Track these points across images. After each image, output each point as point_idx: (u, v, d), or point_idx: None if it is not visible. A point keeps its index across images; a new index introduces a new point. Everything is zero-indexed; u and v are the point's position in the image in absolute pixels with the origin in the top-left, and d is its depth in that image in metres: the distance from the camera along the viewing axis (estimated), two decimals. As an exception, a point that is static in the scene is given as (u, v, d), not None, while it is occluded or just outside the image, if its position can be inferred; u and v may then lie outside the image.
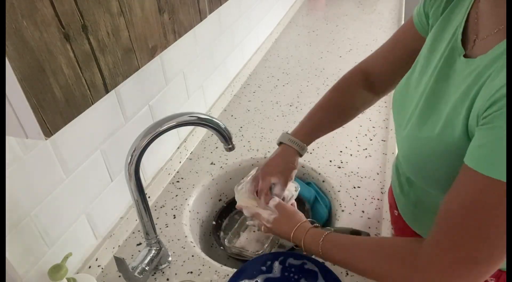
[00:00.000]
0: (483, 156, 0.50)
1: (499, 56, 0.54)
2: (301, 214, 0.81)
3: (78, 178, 0.82)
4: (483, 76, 0.54)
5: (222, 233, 1.09)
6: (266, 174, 0.88)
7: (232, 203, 1.15)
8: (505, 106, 0.48)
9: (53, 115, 0.43)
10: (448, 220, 0.54)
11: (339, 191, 1.05)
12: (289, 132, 0.92)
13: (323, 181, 1.10)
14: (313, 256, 0.87)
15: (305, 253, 0.78)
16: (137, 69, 0.55)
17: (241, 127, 1.35)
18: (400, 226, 0.86)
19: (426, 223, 0.76)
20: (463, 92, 0.57)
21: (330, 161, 1.15)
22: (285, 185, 0.88)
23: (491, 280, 0.72)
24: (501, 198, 0.48)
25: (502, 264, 0.69)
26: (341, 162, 1.14)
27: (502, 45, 0.54)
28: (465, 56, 0.61)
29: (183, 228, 1.00)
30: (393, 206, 0.89)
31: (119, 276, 0.87)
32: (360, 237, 0.74)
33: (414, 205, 0.77)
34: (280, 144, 0.92)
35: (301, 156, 0.91)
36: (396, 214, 0.86)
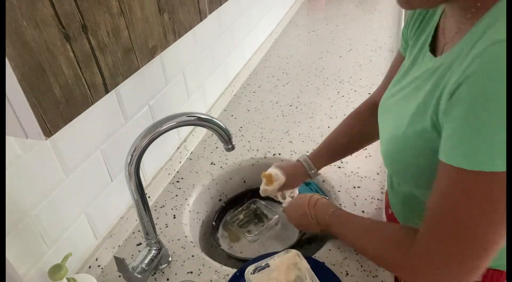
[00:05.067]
0: (450, 148, 0.52)
1: (458, 53, 0.55)
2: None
3: (78, 178, 0.82)
4: (447, 74, 0.56)
5: (221, 230, 1.09)
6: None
7: (231, 202, 1.15)
8: (460, 94, 0.49)
9: (53, 115, 0.43)
10: (433, 217, 0.56)
11: (339, 191, 1.05)
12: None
13: (323, 181, 1.10)
14: (312, 256, 0.87)
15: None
16: (137, 69, 0.55)
17: (241, 127, 1.35)
18: None
19: (414, 221, 0.77)
20: (430, 90, 0.59)
21: (330, 161, 1.15)
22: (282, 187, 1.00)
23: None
24: (475, 186, 0.50)
25: (495, 262, 0.69)
26: (341, 162, 1.14)
27: (462, 44, 0.56)
28: None
29: (183, 228, 1.00)
30: (387, 204, 0.90)
31: (119, 276, 0.87)
32: (364, 218, 0.82)
33: (402, 203, 0.79)
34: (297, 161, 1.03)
35: (309, 175, 1.01)
36: (390, 213, 0.88)
